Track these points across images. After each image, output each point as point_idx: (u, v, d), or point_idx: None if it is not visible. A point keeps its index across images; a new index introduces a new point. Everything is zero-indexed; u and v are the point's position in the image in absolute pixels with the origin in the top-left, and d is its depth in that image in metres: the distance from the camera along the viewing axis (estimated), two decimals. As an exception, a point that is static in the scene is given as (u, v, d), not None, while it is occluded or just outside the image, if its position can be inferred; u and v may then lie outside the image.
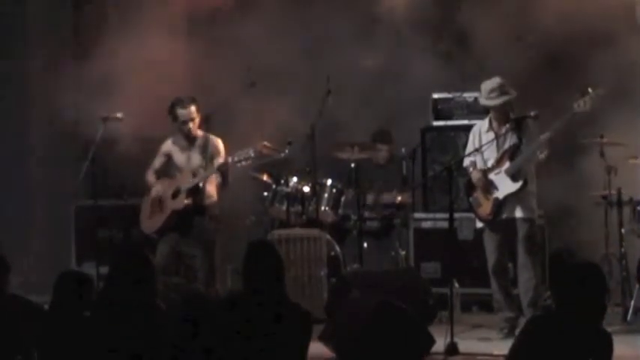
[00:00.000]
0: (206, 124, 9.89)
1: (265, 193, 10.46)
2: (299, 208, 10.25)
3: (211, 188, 9.37)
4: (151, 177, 9.44)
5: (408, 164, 10.59)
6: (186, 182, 9.23)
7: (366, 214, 10.49)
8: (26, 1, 11.35)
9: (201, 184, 9.26)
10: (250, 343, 5.51)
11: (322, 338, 7.88)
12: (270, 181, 10.48)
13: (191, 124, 9.29)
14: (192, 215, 9.25)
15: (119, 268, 5.83)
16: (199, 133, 9.40)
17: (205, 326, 5.51)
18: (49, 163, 10.81)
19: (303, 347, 5.70)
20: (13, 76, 10.76)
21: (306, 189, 10.24)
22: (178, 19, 10.77)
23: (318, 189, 10.26)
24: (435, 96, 10.54)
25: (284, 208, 10.25)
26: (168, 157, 9.45)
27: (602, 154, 9.30)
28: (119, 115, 9.35)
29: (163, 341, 5.61)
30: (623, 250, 9.30)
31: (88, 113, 9.94)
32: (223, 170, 9.27)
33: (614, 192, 9.29)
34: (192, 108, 9.27)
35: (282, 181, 10.31)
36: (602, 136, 9.30)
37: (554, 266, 9.77)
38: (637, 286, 9.03)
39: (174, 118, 9.29)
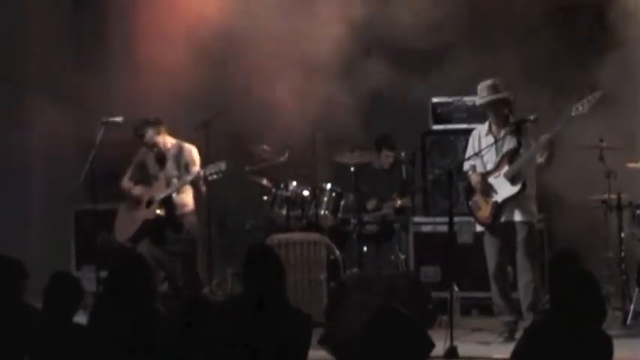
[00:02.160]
0: (205, 129, 9.91)
1: (265, 197, 10.47)
2: (299, 212, 10.26)
3: (186, 197, 9.42)
4: (126, 183, 9.53)
5: (408, 168, 10.59)
6: (159, 192, 9.31)
7: (366, 218, 10.50)
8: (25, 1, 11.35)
9: (174, 195, 9.33)
10: (250, 347, 5.51)
11: (322, 342, 7.87)
12: (269, 185, 10.49)
13: (155, 149, 9.46)
14: (165, 227, 9.33)
15: (118, 273, 5.83)
16: (171, 142, 9.47)
17: (205, 330, 5.50)
18: (49, 166, 10.80)
19: (304, 351, 5.70)
20: (12, 79, 10.75)
21: (306, 193, 10.25)
22: (177, 22, 10.77)
23: (317, 193, 10.27)
24: (435, 100, 10.54)
25: (284, 212, 10.26)
26: (144, 166, 9.53)
27: (601, 158, 9.29)
28: (118, 119, 9.38)
29: (163, 345, 5.60)
30: (622, 254, 9.29)
31: (87, 117, 9.94)
32: (195, 183, 9.32)
33: (613, 196, 9.28)
34: (148, 135, 9.43)
35: (282, 185, 10.32)
36: (601, 140, 9.30)
37: (554, 270, 9.76)
38: (637, 290, 9.03)
39: (140, 141, 9.48)
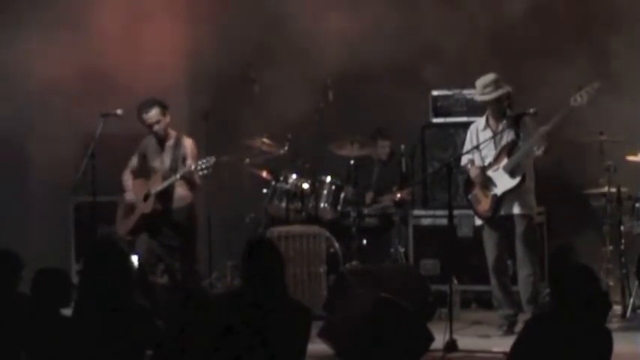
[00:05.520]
0: (205, 121, 9.90)
1: (265, 190, 10.47)
2: (298, 204, 10.26)
3: (182, 191, 9.39)
4: (126, 178, 9.53)
5: (408, 161, 10.59)
6: (155, 185, 9.30)
7: (365, 211, 10.50)
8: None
9: (170, 189, 9.30)
10: (250, 340, 5.51)
11: (321, 335, 7.89)
12: (269, 177, 10.49)
13: (156, 127, 9.35)
14: (161, 221, 9.29)
15: (91, 265, 5.80)
16: (170, 133, 9.43)
17: (204, 323, 5.50)
18: (48, 159, 10.79)
19: (303, 344, 5.69)
20: (11, 71, 10.74)
21: (306, 186, 10.25)
22: (178, 9, 10.78)
23: (317, 186, 10.27)
24: (435, 93, 10.54)
25: (283, 205, 10.26)
26: (144, 157, 9.51)
27: (601, 152, 9.30)
28: (119, 111, 9.35)
29: (145, 339, 5.60)
30: (622, 247, 9.30)
31: (87, 109, 9.93)
32: (188, 177, 9.29)
33: (613, 189, 9.29)
34: (153, 112, 9.31)
35: (282, 178, 10.32)
36: (601, 133, 9.30)
37: (554, 263, 9.78)
38: (636, 283, 9.04)
39: (142, 122, 9.37)
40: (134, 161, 9.58)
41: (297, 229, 9.90)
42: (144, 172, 9.54)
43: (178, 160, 9.35)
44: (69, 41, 10.52)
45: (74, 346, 5.54)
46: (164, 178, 9.30)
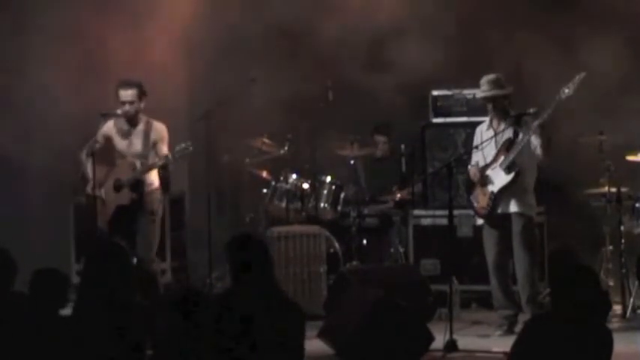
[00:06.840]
0: (206, 120, 9.89)
1: (265, 190, 10.48)
2: (298, 205, 10.26)
3: (151, 176, 9.21)
4: (87, 165, 9.15)
5: (408, 161, 10.59)
6: (126, 174, 9.09)
7: (365, 211, 10.51)
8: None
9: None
10: (245, 338, 5.49)
11: (321, 335, 7.89)
12: (269, 177, 10.49)
13: (127, 107, 9.10)
14: (136, 210, 9.15)
15: (91, 265, 5.78)
16: (141, 118, 9.19)
17: (201, 322, 5.49)
18: (48, 159, 10.80)
19: (297, 338, 5.63)
20: (11, 69, 10.74)
21: (306, 186, 10.26)
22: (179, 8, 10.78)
23: (317, 186, 10.27)
24: (435, 93, 10.54)
25: (283, 205, 10.26)
26: (108, 140, 9.28)
27: (601, 151, 9.30)
28: (119, 111, 9.30)
29: (145, 339, 5.59)
30: (622, 247, 9.30)
31: (87, 109, 9.92)
32: (165, 166, 9.14)
33: (613, 189, 9.29)
34: (132, 91, 9.08)
35: (282, 178, 10.33)
36: (601, 133, 9.31)
37: (554, 265, 9.78)
38: (636, 283, 9.04)
39: (117, 97, 9.16)
40: (96, 143, 9.21)
41: (297, 229, 9.90)
42: (106, 157, 9.31)
43: (149, 145, 9.13)
44: (69, 42, 10.54)
45: (74, 346, 5.54)
46: (133, 167, 9.11)
